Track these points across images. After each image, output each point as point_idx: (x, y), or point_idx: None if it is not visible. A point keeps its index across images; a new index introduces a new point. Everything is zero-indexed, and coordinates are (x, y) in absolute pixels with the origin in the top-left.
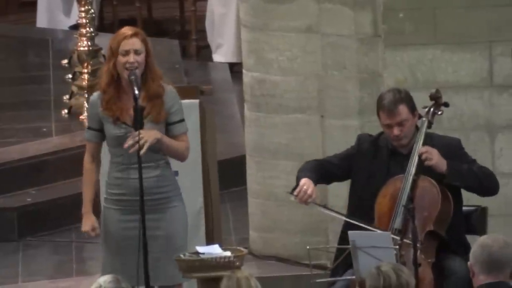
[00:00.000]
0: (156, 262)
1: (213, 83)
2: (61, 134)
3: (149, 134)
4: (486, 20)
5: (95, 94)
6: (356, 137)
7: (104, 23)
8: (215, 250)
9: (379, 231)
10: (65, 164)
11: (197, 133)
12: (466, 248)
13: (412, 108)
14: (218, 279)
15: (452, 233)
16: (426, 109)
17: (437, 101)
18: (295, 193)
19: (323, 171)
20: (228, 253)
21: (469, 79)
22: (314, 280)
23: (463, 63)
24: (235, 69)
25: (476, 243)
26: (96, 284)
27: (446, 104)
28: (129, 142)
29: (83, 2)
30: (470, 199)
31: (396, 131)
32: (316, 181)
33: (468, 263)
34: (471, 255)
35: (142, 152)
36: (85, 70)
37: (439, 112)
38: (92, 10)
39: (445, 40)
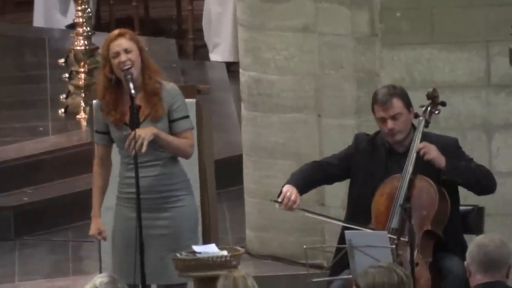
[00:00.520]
0: (161, 261)
1: (210, 82)
2: (57, 134)
3: (145, 131)
4: (483, 19)
5: (97, 100)
6: (353, 137)
7: (101, 22)
8: (211, 249)
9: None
10: (62, 163)
11: (194, 132)
12: (463, 247)
13: (407, 104)
14: (214, 279)
15: (449, 233)
16: (423, 109)
17: (434, 100)
18: (279, 199)
19: (323, 173)
20: (224, 253)
21: (466, 79)
22: (310, 279)
23: (460, 62)
24: (232, 68)
25: (473, 242)
26: (91, 284)
27: (443, 104)
28: (127, 143)
29: (79, 1)
30: (467, 199)
31: (390, 124)
32: (307, 186)
33: (465, 262)
34: (467, 254)
35: (143, 150)
36: (82, 69)
37: (436, 112)
38: (89, 9)
39: (442, 39)
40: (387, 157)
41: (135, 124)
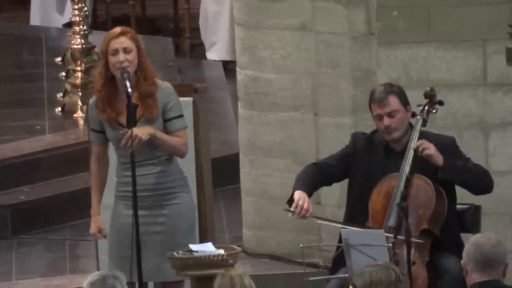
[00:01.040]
0: (158, 258)
1: (206, 81)
2: (54, 132)
3: (142, 131)
4: (480, 18)
5: (94, 97)
6: (351, 136)
7: (98, 21)
8: (208, 248)
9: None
10: (59, 162)
11: (191, 131)
12: (460, 246)
13: (404, 102)
14: (211, 277)
15: (446, 232)
16: (421, 108)
17: (432, 99)
18: (291, 209)
19: (323, 175)
20: (221, 251)
21: (463, 77)
22: (307, 278)
23: (457, 61)
24: (228, 67)
25: (469, 241)
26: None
27: (441, 103)
28: (123, 142)
29: (76, 0)
30: (463, 197)
31: (386, 121)
32: (313, 189)
33: (461, 261)
34: (464, 253)
35: (133, 147)
36: (79, 68)
37: (434, 111)
38: (86, 8)
39: (439, 38)
40: (385, 156)
41: (132, 122)
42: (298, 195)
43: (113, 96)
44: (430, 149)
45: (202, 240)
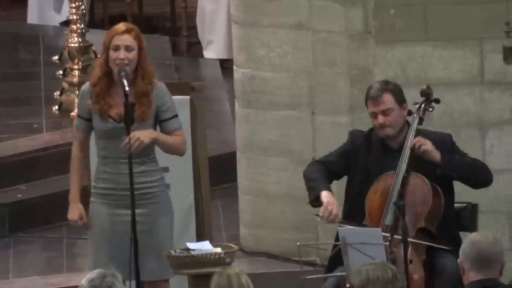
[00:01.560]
0: (140, 257)
1: (203, 79)
2: (51, 131)
3: (145, 134)
4: (477, 16)
5: (86, 84)
6: (348, 133)
7: (95, 20)
8: (205, 246)
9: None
10: (56, 160)
11: (188, 129)
12: (458, 244)
13: (399, 100)
14: (209, 276)
15: (443, 230)
16: (417, 106)
17: (428, 97)
18: (320, 213)
19: (329, 172)
20: (218, 250)
21: (460, 76)
22: (304, 276)
23: (454, 59)
24: (226, 65)
25: (466, 240)
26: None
27: (437, 101)
28: (123, 144)
29: None
30: (460, 195)
31: (380, 119)
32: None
33: (458, 260)
34: (460, 252)
35: (133, 149)
36: (76, 67)
37: (430, 109)
38: (83, 6)
39: (436, 36)
40: (382, 154)
41: (129, 120)
42: (327, 198)
43: (108, 88)
44: (427, 145)
45: (199, 238)
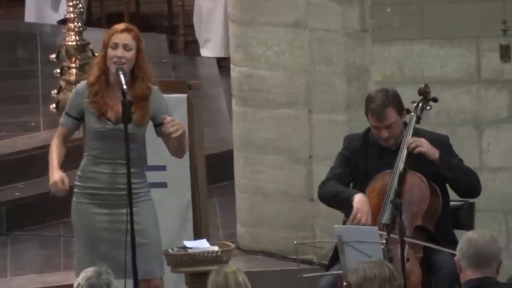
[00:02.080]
0: (127, 256)
1: (201, 78)
2: (49, 129)
3: (182, 124)
4: (474, 15)
5: (83, 83)
6: (344, 140)
7: (92, 18)
8: (202, 244)
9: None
10: None
11: (185, 128)
12: (454, 243)
13: (400, 109)
14: (206, 274)
15: (439, 228)
16: (415, 104)
17: (426, 96)
18: (349, 221)
19: (343, 184)
20: (215, 248)
21: (457, 74)
22: (301, 274)
23: (451, 58)
24: (223, 64)
25: (463, 238)
26: (76, 283)
27: (435, 99)
28: (173, 129)
29: None
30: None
31: (384, 133)
32: None
33: (455, 258)
34: (457, 250)
35: (179, 133)
36: (73, 65)
37: (428, 107)
38: (80, 5)
39: (433, 35)
40: (380, 155)
41: (126, 119)
42: (357, 204)
43: (105, 89)
44: (423, 146)
45: (196, 236)
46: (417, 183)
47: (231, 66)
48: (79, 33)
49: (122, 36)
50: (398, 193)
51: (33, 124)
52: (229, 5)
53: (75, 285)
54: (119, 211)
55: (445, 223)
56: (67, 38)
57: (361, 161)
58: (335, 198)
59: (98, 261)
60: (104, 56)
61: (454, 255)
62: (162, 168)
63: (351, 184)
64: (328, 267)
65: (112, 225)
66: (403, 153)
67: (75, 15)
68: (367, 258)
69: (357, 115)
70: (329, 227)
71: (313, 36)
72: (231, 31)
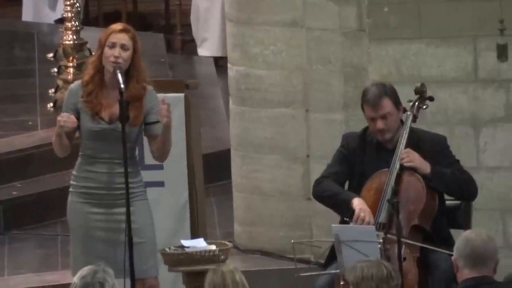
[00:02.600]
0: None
1: (198, 77)
2: (46, 128)
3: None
4: (471, 14)
5: (77, 83)
6: (342, 138)
7: (89, 17)
8: (200, 243)
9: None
10: (51, 157)
11: (182, 127)
12: (450, 242)
13: (397, 102)
14: (203, 273)
15: (435, 228)
16: (411, 103)
17: (422, 95)
18: (352, 222)
19: (339, 183)
20: (213, 247)
21: (454, 74)
22: (298, 274)
23: (448, 57)
24: (220, 63)
25: (460, 237)
26: (73, 282)
27: (431, 98)
28: (166, 112)
29: None
30: None
31: (380, 124)
32: None
33: (452, 257)
34: (455, 249)
35: (168, 119)
36: (71, 64)
37: (424, 106)
38: (78, 4)
39: (430, 34)
40: (378, 154)
41: (124, 118)
42: (359, 205)
43: (99, 89)
44: (415, 161)
45: (194, 236)
46: (413, 182)
47: (228, 65)
48: (77, 32)
49: (120, 36)
50: (395, 192)
51: (30, 123)
52: (226, 4)
53: (72, 284)
54: (115, 210)
55: (441, 222)
56: (65, 37)
57: (358, 160)
58: (332, 198)
59: (94, 261)
60: (100, 55)
61: (450, 255)
62: (159, 167)
63: (347, 183)
64: (325, 266)
65: (108, 224)
66: (400, 152)
67: (73, 14)
68: (364, 257)
69: (354, 115)
70: (327, 226)
71: (310, 36)
72: (228, 30)
